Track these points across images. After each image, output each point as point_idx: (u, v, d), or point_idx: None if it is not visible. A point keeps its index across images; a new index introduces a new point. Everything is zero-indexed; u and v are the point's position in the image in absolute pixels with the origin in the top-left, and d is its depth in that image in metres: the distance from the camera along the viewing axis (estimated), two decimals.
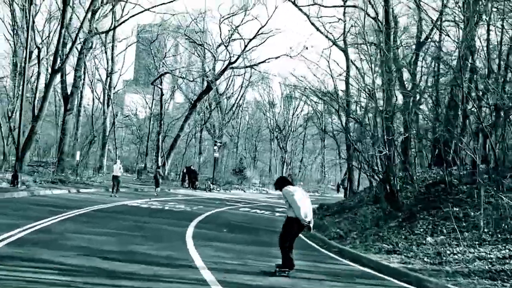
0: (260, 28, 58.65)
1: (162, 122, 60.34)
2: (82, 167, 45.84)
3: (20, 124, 32.46)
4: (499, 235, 15.95)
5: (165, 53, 64.16)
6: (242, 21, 59.12)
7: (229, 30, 59.67)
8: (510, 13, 23.44)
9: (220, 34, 59.61)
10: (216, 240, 16.78)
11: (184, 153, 69.45)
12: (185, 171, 55.15)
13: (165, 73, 58.16)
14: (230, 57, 60.07)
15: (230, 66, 61.37)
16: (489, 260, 14.02)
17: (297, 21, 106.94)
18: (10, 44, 50.30)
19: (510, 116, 21.84)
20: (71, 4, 42.43)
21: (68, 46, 45.08)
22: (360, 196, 31.04)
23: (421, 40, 35.61)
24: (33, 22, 44.01)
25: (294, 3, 46.10)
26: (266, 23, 59.61)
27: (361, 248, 17.40)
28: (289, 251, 11.83)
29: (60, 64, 42.16)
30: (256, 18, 58.59)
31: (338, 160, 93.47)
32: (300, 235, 13.66)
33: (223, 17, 58.60)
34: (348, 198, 39.69)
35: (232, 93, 78.43)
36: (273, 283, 10.85)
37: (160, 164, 55.79)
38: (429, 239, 17.29)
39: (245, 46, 59.93)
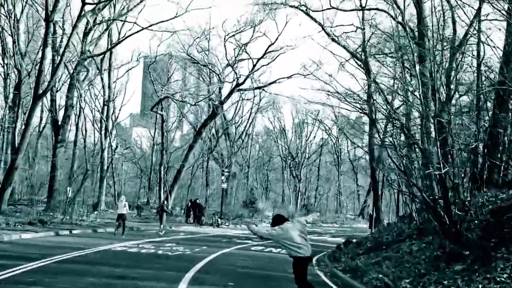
0: (270, 46, 53.90)
1: (165, 151, 55.02)
2: (74, 204, 40.59)
3: None
4: None
5: (168, 77, 59.19)
6: (250, 39, 54.31)
7: (234, 49, 54.78)
8: None
9: (226, 53, 54.96)
10: None
11: (190, 185, 64.02)
12: (189, 205, 49.50)
13: (165, 97, 52.97)
14: (238, 78, 55.01)
15: (238, 88, 56.31)
16: None
17: (310, 39, 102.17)
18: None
19: None
20: (54, 18, 37.40)
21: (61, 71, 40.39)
22: (398, 228, 25.34)
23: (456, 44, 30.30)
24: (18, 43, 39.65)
25: (306, 12, 41.06)
26: (276, 39, 54.07)
27: None
28: None
29: (45, 89, 37.23)
30: (265, 34, 53.67)
31: (356, 188, 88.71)
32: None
33: (228, 34, 53.71)
34: (377, 231, 34.12)
35: (241, 120, 73.37)
36: None
37: (164, 198, 50.54)
38: None
39: (254, 66, 55.00)
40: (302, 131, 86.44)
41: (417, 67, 22.09)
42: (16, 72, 41.07)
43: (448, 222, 17.26)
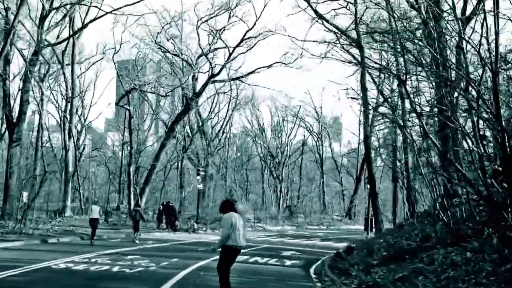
0: (247, 32, 48.83)
1: (134, 150, 49.64)
2: (30, 211, 35.30)
3: None
4: None
5: (138, 70, 53.73)
6: (225, 25, 49.40)
7: (208, 34, 49.71)
8: None
9: (199, 41, 49.55)
10: None
11: (163, 187, 58.59)
12: (161, 208, 43.87)
13: (132, 89, 47.60)
14: (212, 68, 49.82)
15: (213, 79, 51.21)
16: None
17: (292, 25, 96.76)
18: None
19: None
20: None
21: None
22: (418, 231, 20.21)
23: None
24: None
25: None
26: (254, 24, 48.75)
27: None
28: (228, 279, 12.23)
29: None
30: (241, 19, 48.72)
31: (340, 187, 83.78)
32: None
33: (201, 19, 48.61)
34: (381, 233, 29.26)
35: (217, 117, 68.47)
36: None
37: (135, 202, 45.38)
38: None
39: (230, 54, 50.07)
40: (281, 130, 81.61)
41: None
42: None
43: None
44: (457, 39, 17.39)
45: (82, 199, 55.47)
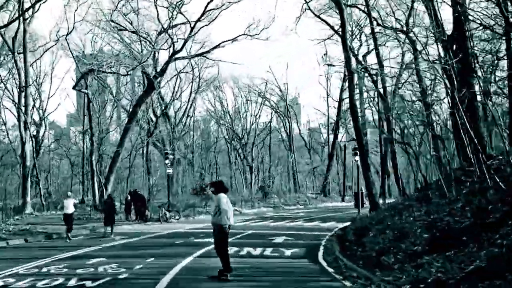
0: (209, 3, 45.43)
1: (95, 137, 45.69)
2: None
3: None
4: None
5: (96, 53, 49.76)
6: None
7: (167, 7, 45.92)
8: None
9: (158, 15, 45.83)
10: None
11: (129, 176, 54.83)
12: (129, 198, 39.95)
13: (89, 70, 43.57)
14: (173, 43, 46.21)
15: (175, 56, 47.65)
16: None
17: None
18: None
19: None
20: None
21: None
22: (467, 203, 16.05)
23: None
24: None
25: None
26: None
27: None
28: (227, 256, 13.19)
29: None
30: None
31: (311, 165, 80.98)
32: None
33: None
34: (390, 206, 26.18)
35: (180, 103, 65.43)
36: None
37: (99, 194, 41.93)
38: None
39: (192, 29, 46.57)
40: (246, 110, 78.54)
41: None
42: None
43: None
44: None
45: (44, 194, 51.47)
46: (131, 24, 46.16)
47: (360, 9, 43.30)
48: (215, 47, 48.25)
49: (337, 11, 32.91)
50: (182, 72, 58.13)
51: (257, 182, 74.87)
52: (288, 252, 19.08)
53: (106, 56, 48.71)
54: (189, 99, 67.36)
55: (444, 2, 23.97)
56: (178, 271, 14.72)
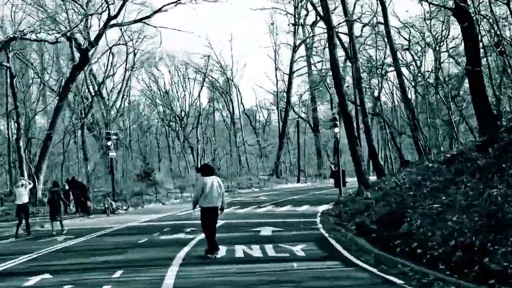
0: None
1: (21, 118, 39.06)
2: None
3: None
4: None
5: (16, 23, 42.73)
6: None
7: None
8: None
9: None
10: None
11: (63, 163, 48.11)
12: (67, 187, 33.35)
13: (10, 39, 36.68)
14: (108, 5, 39.86)
15: (111, 23, 41.33)
16: None
17: None
18: None
19: None
20: None
21: None
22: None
23: None
24: None
25: None
26: None
27: None
28: (213, 236, 13.37)
29: None
30: None
31: (259, 144, 76.23)
32: None
33: None
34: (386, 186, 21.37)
35: (113, 83, 59.41)
36: None
37: (37, 182, 35.76)
38: None
39: None
40: (184, 89, 72.66)
41: None
42: None
43: None
44: None
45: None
46: None
47: None
48: (156, 11, 42.21)
49: None
50: (116, 45, 51.78)
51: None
52: (295, 250, 14.08)
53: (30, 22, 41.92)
54: (124, 78, 61.28)
55: None
56: None
